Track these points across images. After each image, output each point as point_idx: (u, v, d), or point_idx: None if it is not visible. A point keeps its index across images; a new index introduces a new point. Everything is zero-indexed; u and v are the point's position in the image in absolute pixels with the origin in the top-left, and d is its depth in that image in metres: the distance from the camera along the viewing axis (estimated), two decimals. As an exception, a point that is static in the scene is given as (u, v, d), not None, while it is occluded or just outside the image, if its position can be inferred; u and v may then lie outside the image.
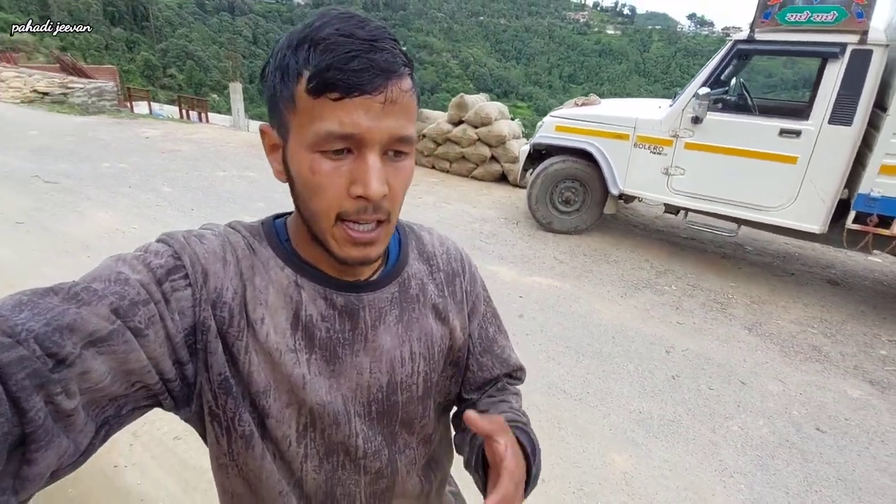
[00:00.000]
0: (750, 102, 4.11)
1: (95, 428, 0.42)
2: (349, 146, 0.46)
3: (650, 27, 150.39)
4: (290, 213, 0.59)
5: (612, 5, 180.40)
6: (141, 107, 13.66)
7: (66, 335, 0.38)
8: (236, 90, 11.40)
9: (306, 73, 0.45)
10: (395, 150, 0.48)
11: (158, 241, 0.52)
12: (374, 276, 0.59)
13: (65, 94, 10.66)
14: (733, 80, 4.36)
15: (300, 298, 0.54)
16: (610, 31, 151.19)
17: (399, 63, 0.46)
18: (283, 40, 0.47)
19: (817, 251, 4.92)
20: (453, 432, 0.75)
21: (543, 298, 3.56)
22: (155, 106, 15.40)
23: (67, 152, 6.59)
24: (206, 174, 6.05)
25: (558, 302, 3.53)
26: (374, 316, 0.57)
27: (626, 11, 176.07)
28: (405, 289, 0.61)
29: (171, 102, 18.78)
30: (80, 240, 3.94)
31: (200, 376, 0.50)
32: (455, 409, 0.75)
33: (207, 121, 12.32)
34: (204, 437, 0.57)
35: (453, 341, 0.65)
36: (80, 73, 13.43)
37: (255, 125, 19.31)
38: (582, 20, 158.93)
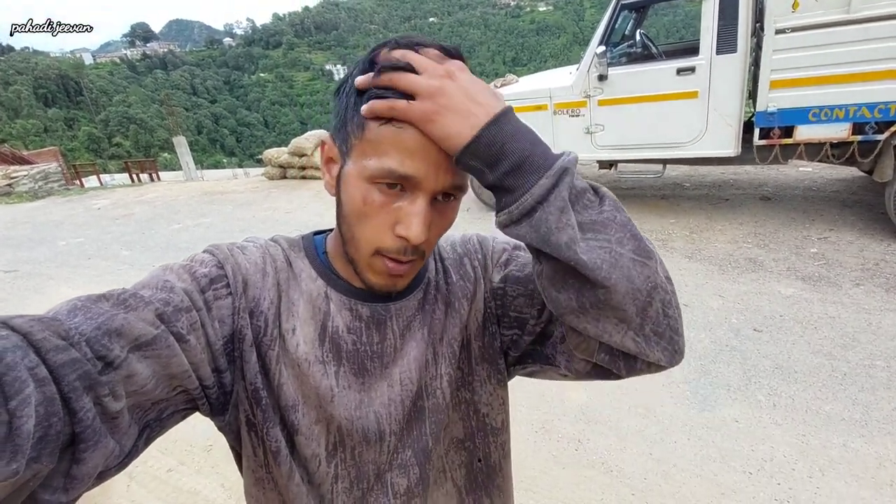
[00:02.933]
0: (654, 50, 4.37)
1: (138, 431, 0.43)
2: (403, 184, 0.47)
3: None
4: (330, 230, 0.60)
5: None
6: (91, 181, 13.57)
7: (114, 339, 0.40)
8: (181, 144, 11.43)
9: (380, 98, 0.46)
10: (445, 194, 0.49)
11: (205, 251, 0.54)
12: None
13: (10, 185, 10.57)
14: (637, 33, 4.62)
15: (328, 310, 0.54)
16: (542, 8, 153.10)
17: None
18: (367, 60, 0.48)
19: (751, 174, 5.22)
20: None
21: (498, 272, 3.76)
22: (106, 177, 15.30)
23: (23, 239, 6.60)
24: (161, 231, 6.14)
25: (512, 272, 3.73)
26: (403, 325, 0.57)
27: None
28: (427, 291, 0.61)
29: (121, 171, 18.64)
30: (49, 318, 4.02)
31: (237, 385, 0.51)
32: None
33: (158, 179, 12.33)
34: (237, 450, 0.57)
35: (467, 332, 0.61)
36: (22, 161, 13.31)
37: (211, 174, 19.24)
38: (513, 3, 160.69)
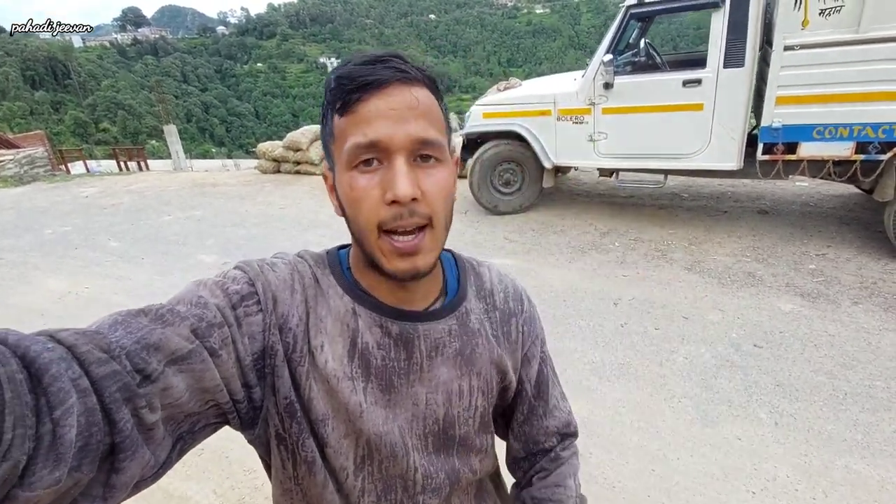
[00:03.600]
0: (658, 60, 4.37)
1: (172, 443, 0.44)
2: (377, 157, 0.48)
3: (577, 0, 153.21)
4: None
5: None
6: (77, 167, 13.28)
7: (152, 353, 0.41)
8: (171, 132, 11.22)
9: (331, 101, 0.50)
10: (422, 154, 0.50)
11: (236, 268, 0.55)
12: (432, 308, 0.60)
13: (-6, 169, 10.28)
14: (642, 42, 4.61)
15: (357, 326, 0.55)
16: (539, 10, 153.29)
17: (410, 73, 0.49)
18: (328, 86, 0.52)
19: (748, 186, 5.25)
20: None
21: (497, 278, 3.72)
22: (92, 163, 15.01)
23: (7, 226, 6.42)
24: (150, 222, 6.00)
25: (512, 278, 3.69)
26: (430, 346, 0.58)
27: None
28: (464, 322, 0.61)
29: (108, 157, 18.26)
30: (34, 309, 3.89)
31: (267, 400, 0.52)
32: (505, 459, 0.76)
33: (147, 168, 12.09)
34: (267, 461, 0.58)
35: (507, 382, 0.65)
36: (7, 145, 12.96)
37: (199, 164, 18.94)
38: (510, 4, 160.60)
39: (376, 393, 0.55)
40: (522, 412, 0.70)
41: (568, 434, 0.74)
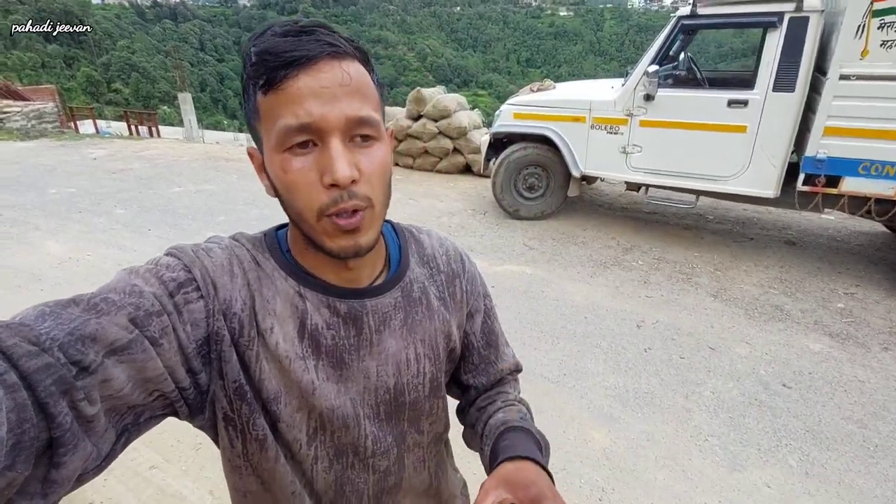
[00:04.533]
0: (699, 76, 4.22)
1: (116, 435, 0.43)
2: (311, 138, 0.46)
3: (602, 6, 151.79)
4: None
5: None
6: (86, 126, 13.08)
7: (88, 344, 0.39)
8: (186, 100, 11.04)
9: (254, 77, 0.47)
10: (359, 134, 0.48)
11: (168, 254, 0.52)
12: (377, 282, 0.60)
13: (1, 120, 10.10)
14: (682, 55, 4.46)
15: (305, 308, 0.54)
16: (563, 13, 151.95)
17: (340, 46, 0.47)
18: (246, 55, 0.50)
19: (774, 214, 5.12)
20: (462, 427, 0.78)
21: (516, 286, 3.59)
22: (101, 124, 14.80)
23: (10, 181, 6.27)
24: (160, 192, 5.85)
25: (530, 287, 3.57)
26: (379, 321, 0.58)
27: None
28: (408, 293, 0.61)
29: (118, 118, 18.04)
30: (32, 272, 3.76)
31: (214, 384, 0.51)
32: (460, 403, 0.78)
33: (158, 135, 11.90)
34: (217, 441, 0.58)
35: (452, 342, 0.66)
36: (16, 96, 12.75)
37: (211, 135, 18.74)
38: (535, 3, 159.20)
39: (328, 370, 0.55)
40: (473, 362, 0.72)
41: (516, 371, 0.77)
